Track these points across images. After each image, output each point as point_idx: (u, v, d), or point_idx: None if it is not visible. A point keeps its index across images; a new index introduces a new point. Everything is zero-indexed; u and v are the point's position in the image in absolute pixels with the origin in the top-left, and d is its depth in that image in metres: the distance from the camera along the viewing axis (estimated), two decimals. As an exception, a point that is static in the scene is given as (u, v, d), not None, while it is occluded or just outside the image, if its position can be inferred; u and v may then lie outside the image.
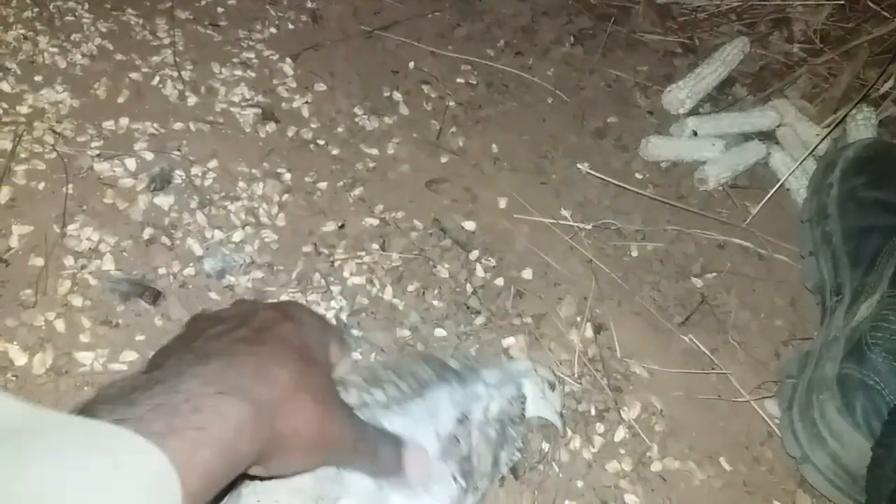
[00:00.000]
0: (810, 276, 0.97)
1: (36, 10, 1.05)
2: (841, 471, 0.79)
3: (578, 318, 0.91)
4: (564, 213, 1.01)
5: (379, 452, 0.56)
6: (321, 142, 1.01)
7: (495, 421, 0.70)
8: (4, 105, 0.93)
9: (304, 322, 0.55)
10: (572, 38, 1.26)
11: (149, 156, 0.93)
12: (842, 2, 1.32)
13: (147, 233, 0.86)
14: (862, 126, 1.18)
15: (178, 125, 0.97)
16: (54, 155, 0.90)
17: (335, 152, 1.00)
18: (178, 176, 0.92)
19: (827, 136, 1.15)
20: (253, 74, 1.06)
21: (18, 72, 0.97)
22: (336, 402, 0.52)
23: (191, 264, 0.85)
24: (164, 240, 0.86)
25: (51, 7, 1.06)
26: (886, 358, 0.79)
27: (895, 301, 0.82)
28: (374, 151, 1.02)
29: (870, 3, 1.29)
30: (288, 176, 0.96)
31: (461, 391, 0.69)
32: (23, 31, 1.02)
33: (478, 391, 0.71)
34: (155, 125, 0.96)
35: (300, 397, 0.47)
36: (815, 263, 0.96)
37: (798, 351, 0.91)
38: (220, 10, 1.14)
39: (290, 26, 1.15)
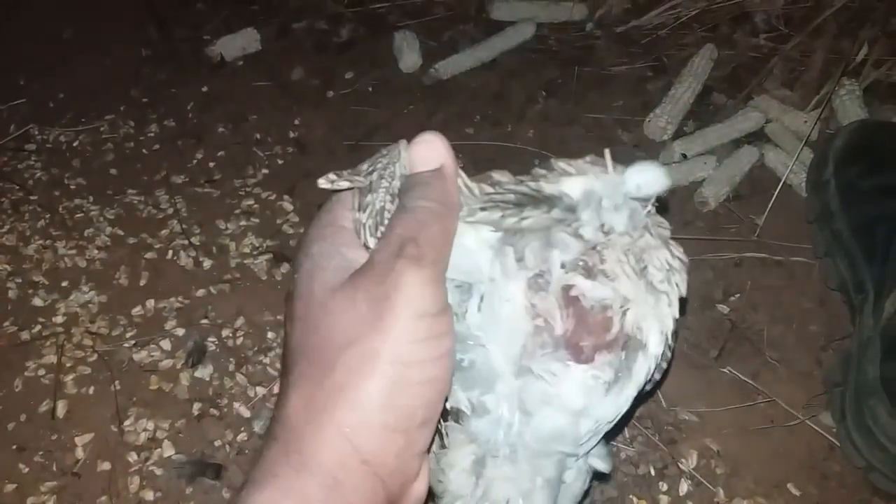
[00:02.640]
0: (830, 277, 0.98)
1: (48, 216, 1.12)
2: (908, 473, 0.80)
3: (617, 378, 0.93)
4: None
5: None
6: (334, 269, 1.06)
7: None
8: (41, 320, 1.00)
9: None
10: (544, 93, 1.28)
11: (180, 331, 0.98)
12: (797, -20, 1.33)
13: (196, 408, 0.92)
14: (847, 101, 1.18)
15: (201, 292, 1.03)
16: (95, 356, 0.96)
17: (349, 276, 1.05)
18: (212, 343, 0.97)
19: (816, 122, 1.15)
20: (257, 220, 1.12)
21: (46, 282, 1.04)
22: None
23: (242, 429, 0.89)
24: (213, 411, 0.91)
25: (60, 209, 1.13)
26: (922, 353, 0.80)
27: (917, 291, 0.83)
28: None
29: (825, -26, 1.30)
30: (311, 314, 1.00)
31: None
32: (41, 242, 1.09)
33: None
34: (179, 298, 1.02)
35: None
36: (831, 263, 0.97)
37: (838, 355, 0.92)
38: (211, 164, 1.20)
39: (280, 161, 1.20)
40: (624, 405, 0.52)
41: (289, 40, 1.43)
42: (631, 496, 0.83)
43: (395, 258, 0.43)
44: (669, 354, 0.56)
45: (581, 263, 0.49)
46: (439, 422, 0.50)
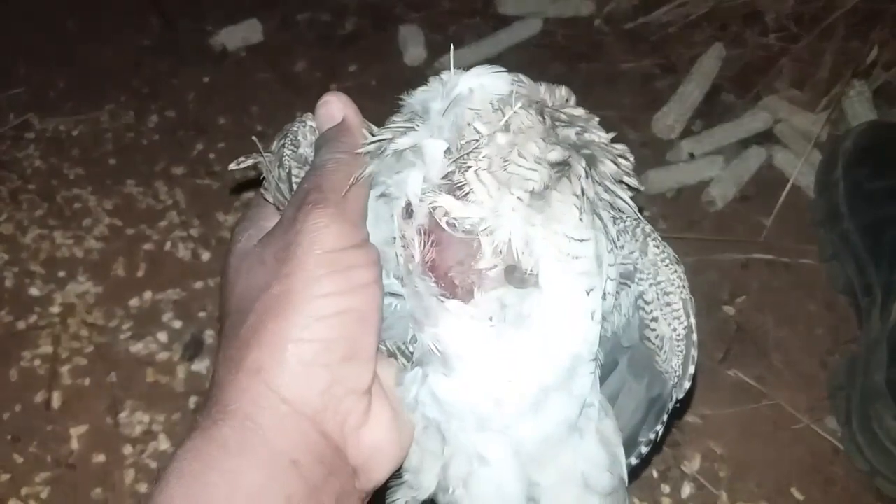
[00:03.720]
0: (838, 279, 0.96)
1: (46, 205, 1.11)
2: (914, 478, 0.78)
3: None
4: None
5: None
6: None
7: None
8: (38, 309, 0.99)
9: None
10: (550, 89, 1.27)
11: (177, 324, 0.97)
12: (807, -20, 1.31)
13: (192, 401, 0.91)
14: (856, 102, 1.17)
15: (199, 284, 1.02)
16: (92, 348, 0.95)
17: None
18: (209, 336, 0.96)
19: (825, 123, 1.14)
20: (256, 213, 1.10)
21: (43, 272, 1.03)
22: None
23: (239, 424, 0.88)
24: (210, 405, 0.90)
25: (58, 199, 1.12)
26: (931, 357, 0.78)
27: (926, 295, 0.82)
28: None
29: (835, -25, 1.28)
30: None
31: None
32: (39, 231, 1.07)
33: None
34: (177, 291, 1.01)
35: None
36: (839, 265, 0.95)
37: (844, 359, 0.91)
38: (211, 156, 1.19)
39: (281, 154, 1.19)
40: (538, 360, 0.43)
41: (292, 32, 1.42)
42: (633, 498, 0.82)
43: (298, 209, 0.43)
44: (689, 350, 0.50)
45: (451, 182, 0.43)
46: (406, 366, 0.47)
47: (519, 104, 0.43)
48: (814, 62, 1.25)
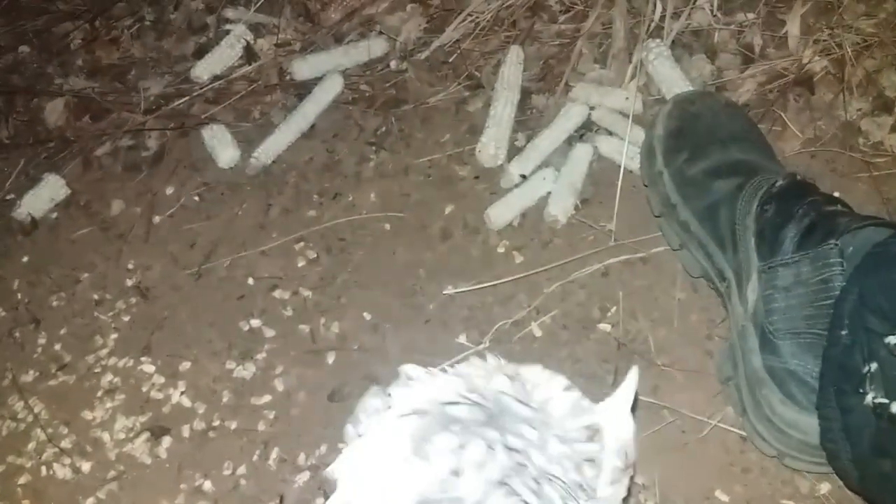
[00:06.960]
0: (692, 268, 0.97)
1: None
2: (817, 451, 0.81)
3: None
4: (461, 340, 1.01)
5: None
6: (216, 423, 1.01)
7: None
8: None
9: None
10: (373, 148, 1.23)
11: (80, 555, 0.93)
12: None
13: None
14: (657, 63, 1.17)
15: (90, 501, 0.97)
16: None
17: (234, 426, 1.00)
18: (116, 556, 0.92)
19: (635, 95, 1.14)
20: (122, 396, 1.05)
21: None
22: None
23: None
24: None
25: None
26: (793, 339, 0.81)
27: (771, 275, 0.83)
28: (267, 398, 1.01)
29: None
30: (208, 484, 0.96)
31: None
32: None
33: None
34: (69, 517, 0.96)
35: None
36: (689, 254, 0.96)
37: (723, 348, 0.92)
38: (57, 347, 1.12)
39: (126, 318, 1.13)
40: None
41: (97, 171, 1.33)
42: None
43: None
44: None
45: None
46: None
47: None
48: (608, 34, 1.25)
